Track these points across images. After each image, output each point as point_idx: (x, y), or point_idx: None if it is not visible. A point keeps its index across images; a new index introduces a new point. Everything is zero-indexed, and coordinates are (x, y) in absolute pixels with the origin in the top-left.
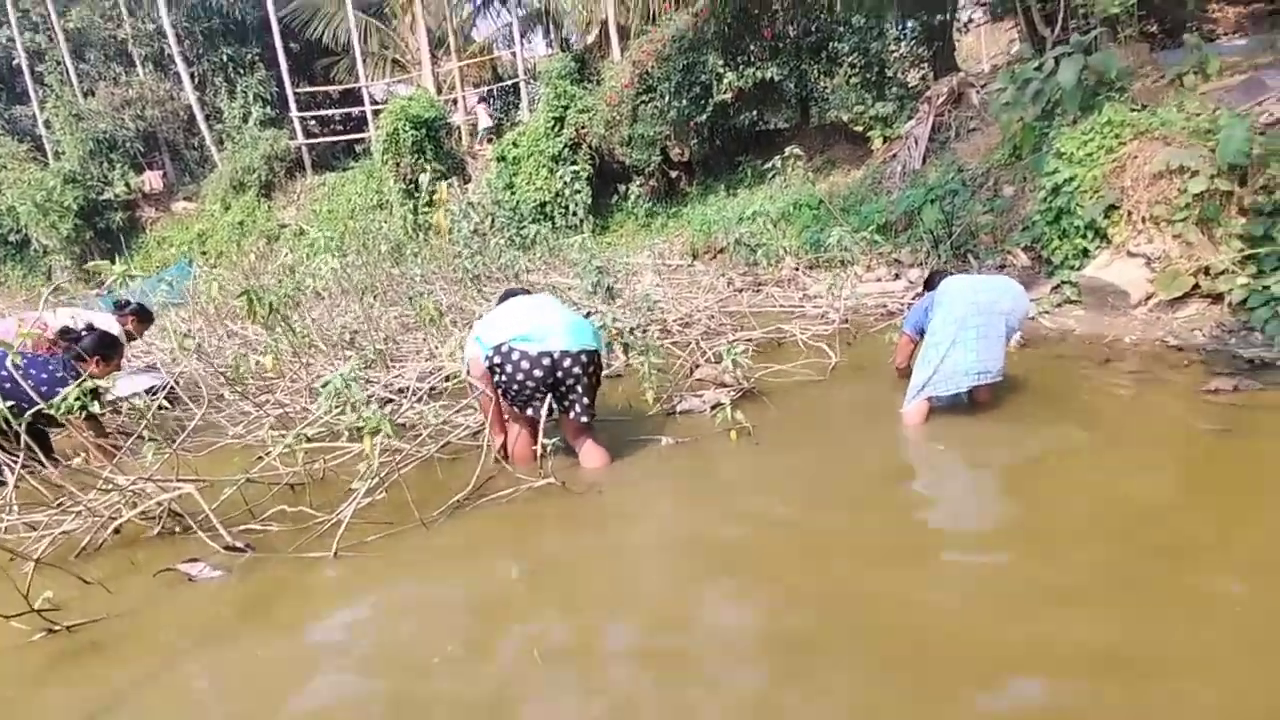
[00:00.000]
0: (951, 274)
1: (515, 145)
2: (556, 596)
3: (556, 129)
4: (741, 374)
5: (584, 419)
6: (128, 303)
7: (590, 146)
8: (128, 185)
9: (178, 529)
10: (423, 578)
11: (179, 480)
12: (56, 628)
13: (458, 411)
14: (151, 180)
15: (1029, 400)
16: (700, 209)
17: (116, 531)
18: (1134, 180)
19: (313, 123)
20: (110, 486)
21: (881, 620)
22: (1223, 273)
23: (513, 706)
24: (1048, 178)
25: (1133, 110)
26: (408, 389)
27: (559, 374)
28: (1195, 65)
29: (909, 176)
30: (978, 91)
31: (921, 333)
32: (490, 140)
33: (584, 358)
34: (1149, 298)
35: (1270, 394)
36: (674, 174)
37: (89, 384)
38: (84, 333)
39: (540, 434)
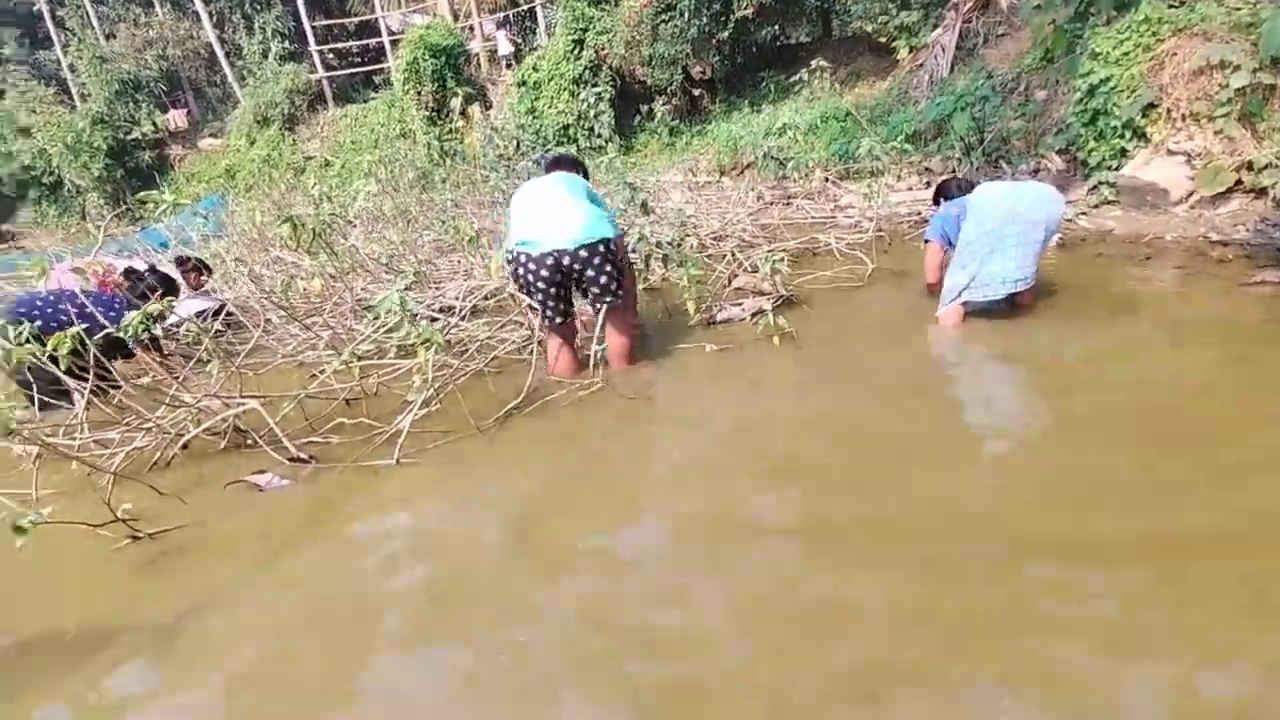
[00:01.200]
0: (978, 183)
1: (535, 70)
2: (608, 491)
3: (576, 52)
4: (780, 281)
5: (596, 306)
6: (189, 258)
7: (611, 68)
8: (154, 124)
9: (246, 444)
10: (481, 480)
11: (242, 396)
12: (140, 535)
13: (502, 327)
14: (176, 119)
15: (1072, 299)
16: (725, 126)
17: (185, 447)
18: (1173, 77)
19: (331, 56)
20: (177, 404)
21: (932, 509)
22: (1266, 167)
23: (567, 593)
24: (1083, 79)
25: (1170, 7)
26: (451, 308)
27: (563, 271)
28: None
29: (936, 85)
30: None
31: (951, 243)
32: (510, 65)
33: (583, 252)
34: (1189, 195)
35: None
36: (696, 92)
37: (152, 308)
38: (147, 273)
39: (595, 340)
